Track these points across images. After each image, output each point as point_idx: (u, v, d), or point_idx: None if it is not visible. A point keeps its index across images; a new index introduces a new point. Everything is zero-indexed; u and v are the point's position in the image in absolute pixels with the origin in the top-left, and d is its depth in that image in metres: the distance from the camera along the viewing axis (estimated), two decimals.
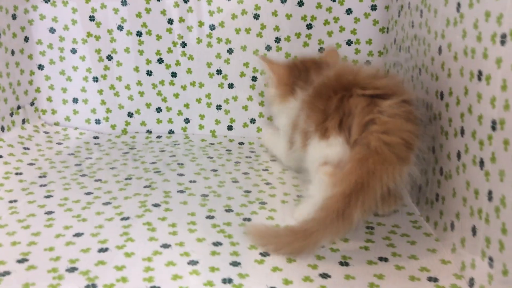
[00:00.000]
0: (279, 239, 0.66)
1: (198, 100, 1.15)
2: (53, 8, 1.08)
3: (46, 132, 1.11)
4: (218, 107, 1.15)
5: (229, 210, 0.79)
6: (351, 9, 1.08)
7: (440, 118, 0.71)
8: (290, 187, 0.89)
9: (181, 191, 0.85)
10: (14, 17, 1.05)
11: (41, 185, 0.86)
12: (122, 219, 0.74)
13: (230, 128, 1.16)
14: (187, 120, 1.16)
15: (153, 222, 0.73)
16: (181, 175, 0.93)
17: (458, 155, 0.64)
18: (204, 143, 1.12)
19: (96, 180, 0.89)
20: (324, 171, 0.71)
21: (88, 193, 0.83)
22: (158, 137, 1.14)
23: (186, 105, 1.15)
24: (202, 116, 1.16)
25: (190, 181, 0.90)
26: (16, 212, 0.76)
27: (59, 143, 1.07)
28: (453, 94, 0.66)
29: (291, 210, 0.79)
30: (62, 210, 0.77)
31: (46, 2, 1.08)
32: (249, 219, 0.76)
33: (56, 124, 1.15)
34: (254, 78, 1.12)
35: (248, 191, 0.86)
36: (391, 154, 0.64)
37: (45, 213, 0.76)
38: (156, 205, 0.79)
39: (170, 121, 1.16)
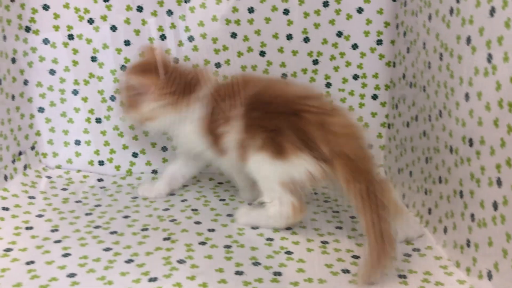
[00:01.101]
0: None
1: None
2: (53, 50, 1.05)
3: (48, 177, 1.07)
4: None
5: (256, 264, 0.77)
6: (357, 44, 1.08)
7: (470, 164, 0.71)
8: (312, 232, 0.88)
9: (203, 243, 0.83)
10: (13, 61, 1.01)
11: (55, 241, 0.82)
12: (150, 280, 0.71)
13: None
14: None
15: (183, 283, 0.71)
16: (198, 223, 0.90)
17: (495, 205, 0.65)
18: (212, 182, 1.10)
19: (111, 233, 0.86)
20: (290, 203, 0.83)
21: (107, 249, 0.80)
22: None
23: None
24: None
25: (209, 230, 0.88)
26: (37, 276, 0.72)
27: (63, 189, 1.03)
28: (486, 143, 0.66)
29: (319, 260, 0.78)
30: (84, 272, 0.73)
31: (46, 43, 1.04)
32: (279, 273, 0.74)
33: (58, 167, 1.11)
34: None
35: (271, 239, 0.85)
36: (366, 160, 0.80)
37: (67, 275, 0.72)
38: (181, 262, 0.77)
39: None
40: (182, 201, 1.00)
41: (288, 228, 0.89)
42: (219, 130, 0.88)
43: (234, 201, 1.01)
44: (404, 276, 0.74)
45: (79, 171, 1.11)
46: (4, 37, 0.95)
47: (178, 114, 0.91)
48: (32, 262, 0.76)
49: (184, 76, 0.92)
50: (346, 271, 0.75)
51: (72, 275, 0.72)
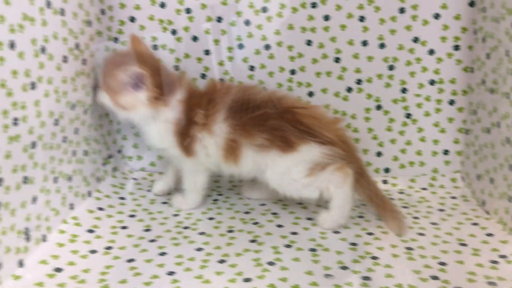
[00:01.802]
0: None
1: None
2: None
3: (134, 179, 1.14)
4: None
5: (344, 268, 0.79)
6: (433, 49, 1.08)
7: None
8: (394, 238, 0.89)
9: (288, 246, 0.86)
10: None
11: (150, 241, 0.88)
12: (245, 280, 0.75)
13: None
14: None
15: (276, 284, 0.74)
16: (280, 226, 0.94)
17: None
18: None
19: (200, 233, 0.90)
20: (333, 170, 0.90)
21: (199, 249, 0.85)
22: (241, 180, 1.16)
23: None
24: None
25: (292, 233, 0.91)
26: (139, 273, 0.78)
27: (149, 190, 1.09)
28: None
29: (406, 265, 0.80)
30: (182, 270, 0.78)
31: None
32: (368, 278, 0.76)
33: (142, 169, 1.18)
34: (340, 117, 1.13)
35: (355, 243, 0.87)
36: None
37: (167, 273, 0.77)
38: (271, 263, 0.80)
39: None
40: (261, 205, 1.04)
41: (370, 234, 0.91)
42: (192, 132, 0.93)
43: (311, 204, 1.03)
44: (494, 284, 0.75)
45: (161, 173, 1.17)
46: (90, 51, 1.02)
47: (154, 111, 0.93)
48: (133, 260, 0.81)
49: (168, 76, 0.96)
50: (435, 277, 0.77)
51: (171, 273, 0.77)
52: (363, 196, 0.96)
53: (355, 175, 0.93)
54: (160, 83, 0.93)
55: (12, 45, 0.70)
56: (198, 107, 0.94)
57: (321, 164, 0.91)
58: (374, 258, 0.82)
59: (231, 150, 0.93)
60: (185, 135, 0.94)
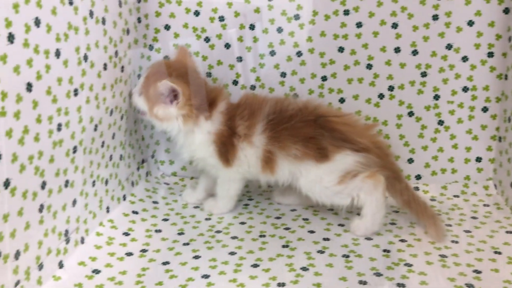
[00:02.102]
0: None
1: None
2: None
3: (166, 184, 1.16)
4: None
5: (378, 274, 0.79)
6: (467, 56, 1.07)
7: None
8: (428, 246, 0.89)
9: (321, 251, 0.87)
10: (139, 77, 1.10)
11: (184, 244, 0.89)
12: (279, 285, 0.76)
13: None
14: None
15: None
16: (311, 232, 0.94)
17: None
18: None
19: (232, 238, 0.92)
20: (364, 178, 0.91)
21: (232, 253, 0.86)
22: (270, 186, 1.16)
23: None
24: None
25: (324, 239, 0.91)
26: (174, 276, 0.79)
27: (180, 195, 1.11)
28: None
29: (440, 273, 0.80)
30: (216, 273, 0.80)
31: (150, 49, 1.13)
32: (403, 285, 0.76)
33: (174, 174, 1.20)
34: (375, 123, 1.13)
35: (387, 250, 0.87)
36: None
37: (202, 276, 0.79)
38: (304, 269, 0.81)
39: None
40: (292, 210, 1.04)
41: (403, 240, 0.90)
42: (234, 143, 0.95)
43: (342, 211, 1.03)
44: None
45: (192, 178, 1.19)
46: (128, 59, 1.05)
47: (190, 126, 0.95)
48: (168, 262, 0.83)
49: (208, 90, 0.97)
50: (470, 285, 0.76)
51: (206, 276, 0.79)
52: (400, 201, 0.96)
53: (391, 180, 0.93)
54: (197, 100, 0.94)
55: (57, 54, 0.73)
56: (240, 118, 0.95)
57: (353, 172, 0.91)
58: (408, 265, 0.82)
59: (268, 161, 0.95)
60: (226, 146, 0.96)
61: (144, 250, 0.87)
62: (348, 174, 0.91)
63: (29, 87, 0.67)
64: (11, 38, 0.63)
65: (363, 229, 0.92)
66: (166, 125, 0.95)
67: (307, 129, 0.92)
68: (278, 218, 1.01)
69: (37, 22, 0.68)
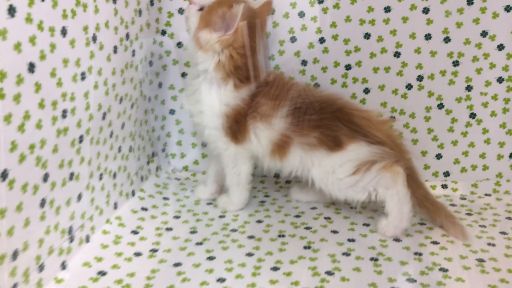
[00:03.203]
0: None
1: None
2: (186, 53, 1.06)
3: (177, 179, 1.09)
4: None
5: (411, 280, 0.72)
6: (503, 44, 0.99)
7: None
8: (463, 248, 0.82)
9: (346, 254, 0.79)
10: (151, 64, 1.03)
11: (197, 243, 0.82)
12: None
13: None
14: None
15: None
16: (334, 232, 0.87)
17: None
18: None
19: (249, 237, 0.85)
20: (380, 170, 0.85)
21: (249, 254, 0.79)
22: (288, 181, 1.10)
23: None
24: None
25: (349, 240, 0.84)
26: (187, 279, 0.72)
27: (192, 190, 1.04)
28: None
29: (479, 279, 0.72)
30: (233, 277, 0.73)
31: (180, 47, 1.06)
32: None
33: (185, 168, 1.13)
34: (392, 118, 1.06)
35: (419, 253, 0.80)
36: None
37: (217, 280, 0.72)
38: (329, 273, 0.74)
39: None
40: (312, 208, 0.97)
41: (435, 243, 0.83)
42: (249, 121, 0.89)
43: (366, 209, 0.96)
44: None
45: (204, 172, 1.12)
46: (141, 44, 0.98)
47: (219, 80, 0.88)
48: (180, 264, 0.76)
49: (255, 62, 0.90)
50: None
51: (221, 280, 0.72)
52: (414, 200, 0.88)
53: (406, 178, 0.87)
54: (243, 60, 0.87)
55: (63, 32, 0.66)
56: (265, 97, 0.89)
57: (368, 163, 0.86)
58: (443, 270, 0.75)
59: (281, 146, 0.89)
60: (238, 123, 0.89)
61: (154, 250, 0.80)
62: (363, 166, 0.86)
63: (31, 67, 0.60)
64: (11, 11, 0.56)
65: (392, 229, 0.85)
66: (199, 54, 0.87)
67: (326, 120, 0.87)
68: (297, 216, 0.94)
69: None
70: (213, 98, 0.89)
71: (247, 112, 0.89)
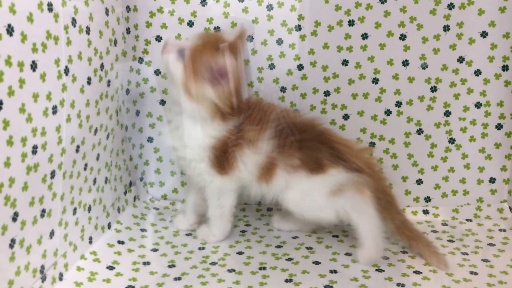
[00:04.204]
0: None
1: None
2: (164, 81, 1.05)
3: (156, 208, 1.07)
4: None
5: None
6: (480, 70, 1.00)
7: None
8: (443, 277, 0.81)
9: (329, 286, 0.78)
10: (127, 92, 1.02)
11: (175, 279, 0.80)
12: None
13: None
14: None
15: None
16: (316, 263, 0.86)
17: None
18: None
19: (229, 271, 0.83)
20: (352, 193, 0.85)
21: None
22: (269, 209, 1.08)
23: None
24: None
25: (331, 271, 0.83)
26: None
27: (171, 221, 1.01)
28: None
29: None
30: None
31: (157, 74, 1.05)
32: None
33: (164, 197, 1.11)
34: (372, 144, 1.05)
35: (402, 284, 0.78)
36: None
37: None
38: None
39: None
40: (293, 238, 0.96)
41: (418, 272, 0.82)
42: (235, 148, 0.87)
43: (348, 237, 0.95)
44: None
45: (183, 201, 1.10)
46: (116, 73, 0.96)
47: (211, 120, 0.86)
48: None
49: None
50: None
51: None
52: (392, 227, 0.88)
53: (384, 204, 0.87)
54: (237, 98, 0.86)
55: (33, 66, 0.64)
56: (250, 123, 0.88)
57: (343, 187, 0.86)
58: None
59: (268, 169, 0.88)
60: (225, 153, 0.87)
61: (130, 287, 0.77)
62: (339, 190, 0.86)
63: None
64: None
65: (367, 255, 0.85)
66: (187, 99, 0.84)
67: (309, 142, 0.87)
68: (279, 247, 0.92)
69: (10, 30, 0.59)
70: (199, 132, 0.87)
71: (233, 140, 0.87)
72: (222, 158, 0.88)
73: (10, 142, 0.61)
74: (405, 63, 1.01)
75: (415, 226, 0.90)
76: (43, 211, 0.70)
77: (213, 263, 0.85)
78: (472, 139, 1.04)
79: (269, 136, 0.87)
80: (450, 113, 1.03)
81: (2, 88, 0.58)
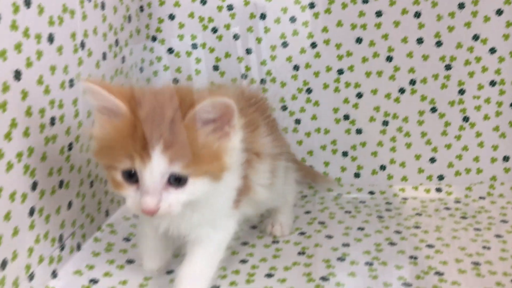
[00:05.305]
0: None
1: (323, 147, 1.09)
2: (177, 59, 1.06)
3: None
4: (344, 154, 1.08)
5: (406, 284, 0.71)
6: (494, 48, 0.99)
7: None
8: (456, 250, 0.81)
9: (341, 259, 0.79)
10: (141, 70, 1.03)
11: None
12: None
13: (357, 175, 1.09)
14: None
15: None
16: (329, 237, 0.86)
17: None
18: (331, 193, 1.06)
19: (242, 244, 0.84)
20: None
21: (243, 261, 0.78)
22: None
23: (310, 153, 1.09)
24: (326, 164, 1.10)
25: (344, 245, 0.83)
26: None
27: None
28: None
29: (475, 283, 0.72)
30: (226, 284, 0.72)
31: (170, 53, 1.05)
32: None
33: None
34: (385, 123, 1.05)
35: (415, 257, 0.79)
36: None
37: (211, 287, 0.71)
38: (324, 279, 0.73)
39: None
40: (306, 213, 0.97)
41: (430, 246, 0.83)
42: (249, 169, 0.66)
43: (361, 213, 0.96)
44: None
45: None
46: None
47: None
48: (172, 271, 0.75)
49: None
50: None
51: (216, 287, 0.71)
52: (301, 176, 0.89)
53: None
54: None
55: (50, 39, 0.65)
56: (253, 131, 0.66)
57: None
58: (438, 273, 0.74)
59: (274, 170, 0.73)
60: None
61: None
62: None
63: (17, 75, 0.59)
64: None
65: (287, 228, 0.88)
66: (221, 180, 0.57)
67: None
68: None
69: (27, 2, 0.60)
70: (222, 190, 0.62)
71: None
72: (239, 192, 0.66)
73: (29, 113, 0.62)
74: (420, 41, 1.01)
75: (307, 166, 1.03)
76: (61, 182, 0.72)
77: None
78: (486, 117, 1.03)
79: (264, 132, 0.70)
80: (464, 91, 1.02)
81: (20, 59, 0.60)
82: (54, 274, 0.71)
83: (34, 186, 0.65)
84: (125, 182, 0.54)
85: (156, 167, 0.51)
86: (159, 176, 0.52)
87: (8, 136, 0.59)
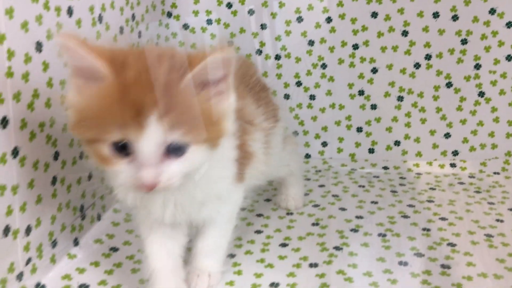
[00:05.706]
0: None
1: (338, 123, 1.09)
2: (192, 35, 1.07)
3: None
4: (359, 129, 1.09)
5: (419, 255, 0.72)
6: (511, 22, 0.98)
7: None
8: (471, 224, 0.82)
9: (355, 230, 0.80)
10: (157, 45, 1.04)
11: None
12: (311, 266, 0.70)
13: (371, 151, 1.10)
14: (324, 144, 1.11)
15: (345, 270, 0.68)
16: (342, 209, 0.88)
17: None
18: (345, 168, 1.07)
19: (257, 215, 0.86)
20: None
21: (258, 232, 0.80)
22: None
23: (324, 128, 1.10)
24: (341, 139, 1.10)
25: (357, 217, 0.85)
26: None
27: None
28: None
29: (487, 253, 0.73)
30: (242, 253, 0.73)
31: (186, 29, 1.06)
32: (448, 267, 0.69)
33: None
34: (400, 98, 1.05)
35: (427, 229, 0.80)
36: None
37: (227, 256, 0.72)
38: (337, 249, 0.74)
39: (306, 144, 1.11)
40: (320, 186, 0.98)
41: (443, 219, 0.83)
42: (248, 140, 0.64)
43: (374, 187, 0.97)
44: None
45: None
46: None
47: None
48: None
49: None
50: None
51: (231, 256, 0.73)
52: None
53: None
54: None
55: (70, 11, 0.67)
56: (242, 100, 0.60)
57: None
58: (451, 244, 0.75)
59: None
60: (244, 154, 0.63)
61: None
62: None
63: (38, 46, 0.61)
64: None
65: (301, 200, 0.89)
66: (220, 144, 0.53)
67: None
68: (305, 194, 0.94)
69: None
70: (219, 161, 0.57)
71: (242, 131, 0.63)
72: (242, 162, 0.63)
73: (50, 84, 0.64)
74: (436, 15, 1.00)
75: None
76: (81, 153, 0.74)
77: (242, 209, 0.86)
78: (502, 92, 1.02)
79: (251, 100, 0.68)
80: (480, 66, 1.02)
81: (41, 30, 0.61)
82: (76, 242, 0.73)
83: (56, 156, 0.67)
84: (115, 155, 0.48)
85: (153, 136, 0.46)
86: (157, 146, 0.47)
87: (30, 106, 0.60)
